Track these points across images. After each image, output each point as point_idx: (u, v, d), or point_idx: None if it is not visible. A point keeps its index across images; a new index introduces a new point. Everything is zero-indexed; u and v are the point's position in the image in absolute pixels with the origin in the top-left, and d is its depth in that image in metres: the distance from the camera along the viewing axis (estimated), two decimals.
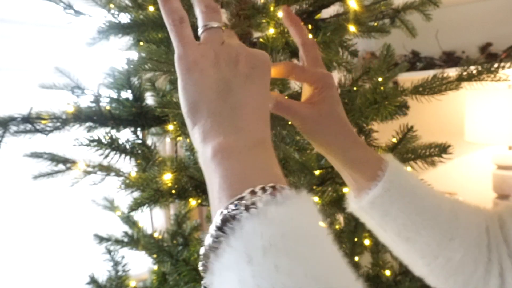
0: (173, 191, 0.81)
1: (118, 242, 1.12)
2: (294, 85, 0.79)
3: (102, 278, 1.06)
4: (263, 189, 0.31)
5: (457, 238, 0.52)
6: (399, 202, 0.51)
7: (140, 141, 0.85)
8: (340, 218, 1.08)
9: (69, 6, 0.88)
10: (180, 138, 0.85)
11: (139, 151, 0.83)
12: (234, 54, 0.40)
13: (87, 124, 0.83)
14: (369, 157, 0.53)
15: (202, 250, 0.31)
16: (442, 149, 0.67)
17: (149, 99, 0.92)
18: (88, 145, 0.77)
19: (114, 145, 0.80)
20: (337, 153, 0.53)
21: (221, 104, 0.37)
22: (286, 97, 0.52)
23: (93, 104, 0.84)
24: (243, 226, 0.29)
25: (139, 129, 0.87)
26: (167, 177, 0.77)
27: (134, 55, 0.89)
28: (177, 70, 0.39)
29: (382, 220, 0.53)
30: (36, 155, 0.94)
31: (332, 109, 0.52)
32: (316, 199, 0.78)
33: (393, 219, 0.52)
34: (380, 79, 0.76)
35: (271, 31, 0.77)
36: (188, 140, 0.87)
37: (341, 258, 0.30)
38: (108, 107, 0.85)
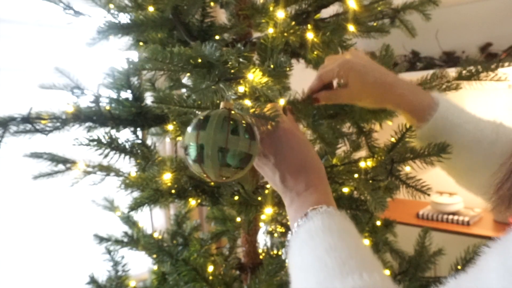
0: (173, 191, 0.81)
1: (118, 242, 1.12)
2: (296, 87, 0.79)
3: (102, 278, 1.06)
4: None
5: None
6: (441, 137, 0.68)
7: (139, 141, 0.85)
8: None
9: (69, 6, 0.88)
10: (180, 138, 0.85)
11: (139, 151, 0.83)
12: None
13: (87, 124, 0.83)
14: (417, 105, 0.69)
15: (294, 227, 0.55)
16: (442, 149, 0.66)
17: (149, 99, 0.92)
18: (88, 144, 0.77)
19: (113, 145, 0.80)
20: (391, 107, 0.73)
21: None
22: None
23: (93, 104, 0.84)
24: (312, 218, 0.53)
25: (138, 129, 0.88)
26: (167, 177, 0.77)
27: (134, 55, 0.89)
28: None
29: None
30: (36, 155, 0.94)
31: (363, 83, 0.69)
32: None
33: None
34: None
35: (271, 31, 0.77)
36: None
37: (359, 240, 0.55)
38: (108, 107, 0.85)
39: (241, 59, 0.59)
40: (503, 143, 0.66)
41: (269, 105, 0.61)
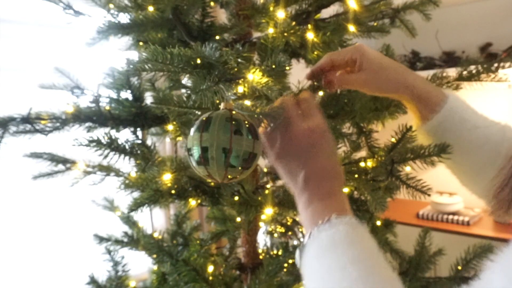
0: (173, 191, 0.81)
1: (118, 242, 1.12)
2: (293, 86, 0.79)
3: (102, 278, 1.06)
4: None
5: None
6: (450, 132, 0.67)
7: (139, 141, 0.85)
8: None
9: (69, 6, 0.88)
10: (180, 138, 0.85)
11: (139, 151, 0.83)
12: None
13: (87, 124, 0.82)
14: (431, 92, 0.68)
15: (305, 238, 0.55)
16: (442, 149, 0.66)
17: (149, 99, 0.92)
18: (87, 145, 0.77)
19: (113, 145, 0.80)
20: (402, 95, 0.70)
21: None
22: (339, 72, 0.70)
23: (93, 104, 0.84)
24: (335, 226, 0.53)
25: (138, 129, 0.87)
26: (167, 177, 0.77)
27: (134, 55, 0.89)
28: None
29: (439, 140, 0.70)
30: (36, 155, 0.94)
31: (380, 67, 0.67)
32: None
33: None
34: None
35: (271, 31, 0.77)
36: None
37: (374, 249, 0.53)
38: (107, 107, 0.85)
39: (240, 60, 0.59)
40: (508, 145, 0.66)
41: (305, 93, 0.62)
